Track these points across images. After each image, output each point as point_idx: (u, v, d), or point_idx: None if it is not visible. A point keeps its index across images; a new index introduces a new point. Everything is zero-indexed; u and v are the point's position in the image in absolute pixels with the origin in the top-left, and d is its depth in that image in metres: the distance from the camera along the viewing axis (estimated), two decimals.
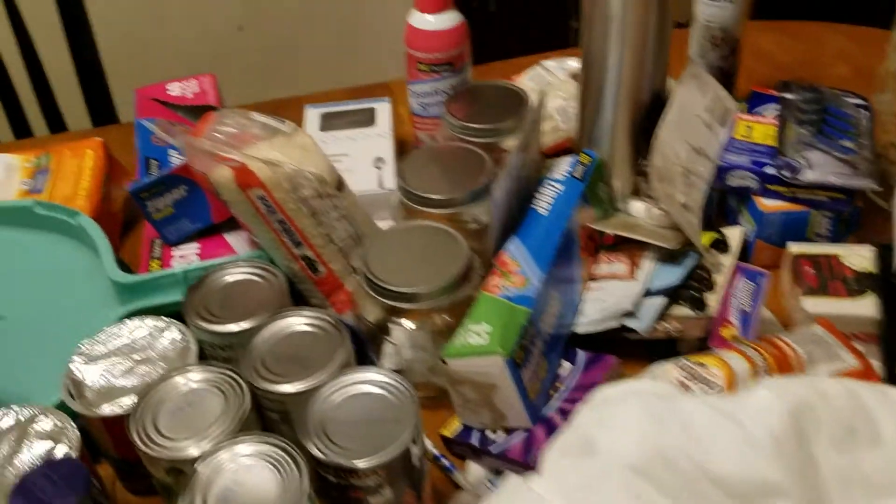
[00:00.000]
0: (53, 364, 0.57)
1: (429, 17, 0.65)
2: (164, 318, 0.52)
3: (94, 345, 0.50)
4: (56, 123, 1.11)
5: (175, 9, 1.55)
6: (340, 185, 0.57)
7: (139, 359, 0.49)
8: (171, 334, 0.51)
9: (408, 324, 0.53)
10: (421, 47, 0.66)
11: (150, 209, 0.58)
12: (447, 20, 0.66)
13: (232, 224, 0.62)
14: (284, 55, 1.70)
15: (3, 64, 1.05)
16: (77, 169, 0.67)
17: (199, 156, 0.54)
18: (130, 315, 0.56)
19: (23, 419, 0.46)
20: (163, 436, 0.43)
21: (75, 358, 0.49)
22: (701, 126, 0.62)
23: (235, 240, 0.61)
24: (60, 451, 0.44)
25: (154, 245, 0.61)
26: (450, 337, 0.51)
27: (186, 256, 0.60)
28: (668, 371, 0.44)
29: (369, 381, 0.44)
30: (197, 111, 0.67)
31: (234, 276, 0.53)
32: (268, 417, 0.46)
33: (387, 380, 0.44)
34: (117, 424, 0.47)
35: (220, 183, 0.53)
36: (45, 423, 0.45)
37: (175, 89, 0.68)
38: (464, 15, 0.68)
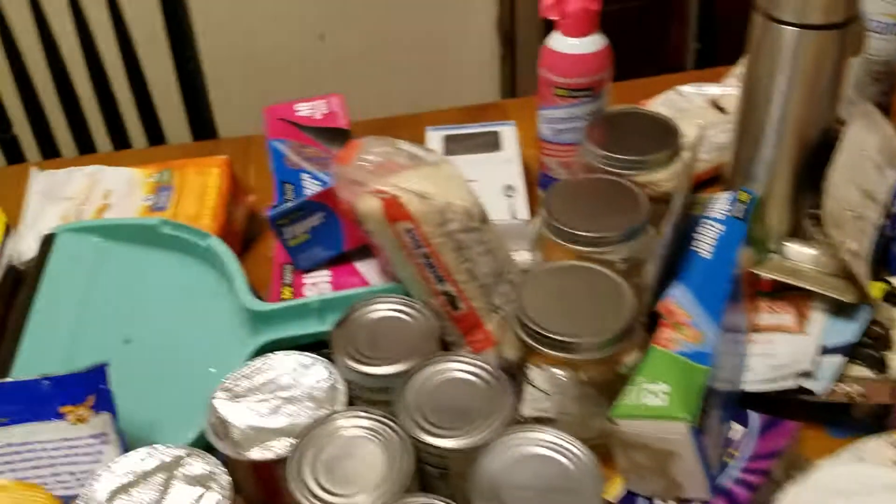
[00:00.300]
0: (184, 395, 0.55)
1: (572, 41, 0.62)
2: (309, 354, 0.49)
3: (238, 380, 0.48)
4: (155, 135, 1.11)
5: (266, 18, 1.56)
6: (484, 217, 0.54)
7: (284, 397, 0.47)
8: (316, 372, 0.48)
9: (558, 372, 0.50)
10: (561, 72, 0.63)
11: (287, 235, 0.56)
12: (592, 44, 0.62)
13: (362, 252, 0.60)
14: (364, 66, 1.69)
15: (105, 74, 1.05)
16: (201, 187, 0.66)
17: (346, 184, 0.51)
18: (265, 345, 0.55)
19: (168, 460, 0.44)
20: (324, 489, 0.40)
21: (219, 394, 0.47)
22: (871, 168, 0.57)
23: (366, 269, 0.59)
24: (211, 499, 0.42)
25: (284, 271, 0.59)
26: (602, 388, 0.47)
27: (318, 285, 0.58)
28: (879, 449, 0.39)
29: (543, 443, 0.41)
30: (326, 133, 0.65)
31: (380, 312, 0.50)
32: (425, 471, 0.43)
33: (561, 442, 0.41)
34: (266, 469, 0.44)
35: (367, 214, 0.51)
36: (194, 467, 0.43)
37: (303, 109, 0.66)
38: None
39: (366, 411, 0.43)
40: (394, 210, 0.50)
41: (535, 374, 0.50)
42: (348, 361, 0.47)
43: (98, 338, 0.58)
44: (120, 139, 1.12)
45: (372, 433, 0.42)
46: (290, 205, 0.56)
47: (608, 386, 0.49)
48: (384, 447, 0.42)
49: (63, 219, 0.67)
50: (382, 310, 0.50)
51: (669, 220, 0.51)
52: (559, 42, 0.63)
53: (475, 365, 0.46)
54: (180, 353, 0.58)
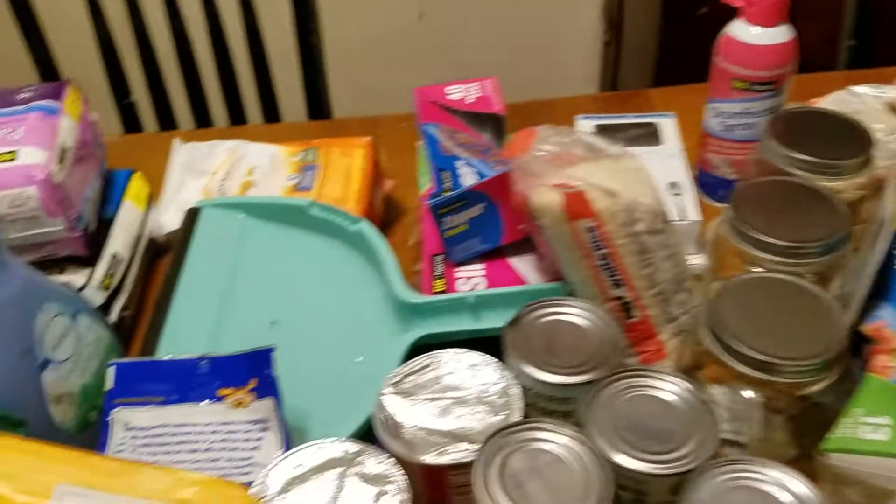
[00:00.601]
0: (332, 383, 0.53)
1: (758, 31, 0.57)
2: (477, 353, 0.46)
3: (404, 376, 0.46)
4: (270, 113, 1.10)
5: None
6: (667, 218, 0.50)
7: (455, 398, 0.44)
8: (486, 374, 0.45)
9: (747, 393, 0.46)
10: (743, 63, 0.58)
11: (446, 226, 0.54)
12: (780, 34, 0.57)
13: (517, 248, 0.57)
14: (462, 49, 1.66)
15: (226, 46, 1.05)
16: (346, 169, 0.64)
17: (522, 175, 0.48)
18: (418, 341, 0.52)
19: (341, 456, 0.41)
20: None
21: (387, 390, 0.45)
22: None
23: (522, 265, 0.56)
24: (396, 501, 0.39)
25: (435, 262, 0.56)
26: (792, 413, 0.43)
27: (472, 279, 0.55)
28: None
29: (756, 474, 0.37)
30: (479, 118, 0.62)
31: (555, 315, 0.47)
32: (617, 496, 0.40)
33: (778, 475, 0.37)
34: (439, 474, 0.42)
35: (544, 209, 0.48)
36: (369, 465, 0.41)
37: (455, 92, 0.63)
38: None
39: (553, 423, 0.40)
40: (576, 206, 0.46)
41: (717, 392, 0.46)
42: (526, 366, 0.44)
43: (245, 318, 0.57)
44: (236, 114, 1.11)
45: (563, 449, 0.39)
46: (451, 194, 0.53)
47: (800, 411, 0.45)
48: (577, 467, 0.38)
49: (204, 193, 0.66)
50: (558, 313, 0.47)
51: (881, 232, 0.46)
52: (743, 31, 0.58)
53: (669, 381, 0.42)
54: (327, 340, 0.56)
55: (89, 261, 0.56)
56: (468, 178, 0.56)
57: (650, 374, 0.43)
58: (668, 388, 0.42)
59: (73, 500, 0.30)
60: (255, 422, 0.47)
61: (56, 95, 0.55)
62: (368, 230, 0.57)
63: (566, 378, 0.43)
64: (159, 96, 1.08)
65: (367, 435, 0.46)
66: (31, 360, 0.46)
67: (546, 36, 1.71)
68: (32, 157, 0.50)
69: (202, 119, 1.11)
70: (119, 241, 0.59)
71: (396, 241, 0.68)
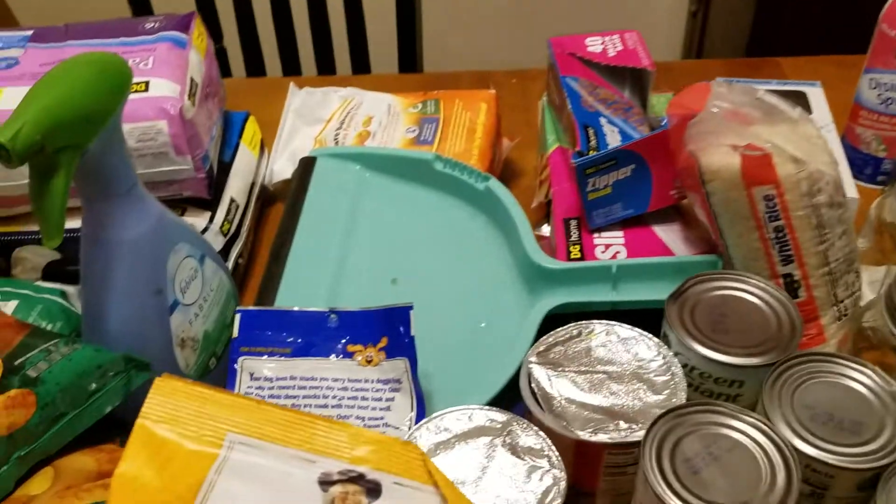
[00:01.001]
0: (457, 347, 0.50)
1: None
2: (628, 327, 0.43)
3: (551, 346, 0.43)
4: (360, 64, 1.07)
5: None
6: (844, 192, 0.46)
7: (607, 372, 0.41)
8: (640, 349, 0.42)
9: None
10: None
11: (590, 187, 0.50)
12: None
13: (661, 215, 0.53)
14: (540, 11, 1.61)
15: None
16: (470, 123, 0.60)
17: (696, 134, 0.44)
18: (554, 309, 0.49)
19: (489, 425, 0.39)
20: (692, 493, 0.34)
21: (532, 359, 0.42)
22: None
23: (667, 234, 0.52)
24: (547, 479, 0.37)
25: (569, 227, 0.53)
26: None
27: (611, 247, 0.52)
28: None
29: None
30: (620, 73, 0.58)
31: (723, 289, 0.43)
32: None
33: None
34: (594, 451, 0.39)
35: (717, 171, 0.44)
36: (521, 437, 0.38)
37: (595, 45, 0.59)
38: None
39: (730, 407, 0.37)
40: (758, 170, 0.42)
41: None
42: (693, 343, 0.41)
43: (364, 273, 0.54)
44: (325, 64, 1.08)
45: (742, 435, 0.36)
46: (600, 153, 0.49)
47: None
48: (759, 455, 0.35)
49: (318, 141, 0.64)
50: (727, 287, 0.43)
51: None
52: None
53: (855, 368, 0.38)
54: (449, 302, 0.53)
55: (209, 204, 0.54)
56: (612, 138, 0.52)
57: (833, 359, 0.39)
58: (854, 376, 0.38)
59: (245, 451, 0.27)
60: (386, 381, 0.45)
61: (184, 27, 0.52)
62: (498, 188, 0.54)
63: (739, 359, 0.40)
64: (248, 43, 1.06)
65: (496, 404, 0.44)
66: (162, 300, 0.44)
67: (630, 3, 1.65)
68: (163, 89, 0.48)
69: (290, 67, 1.08)
70: (236, 186, 0.57)
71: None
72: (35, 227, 0.52)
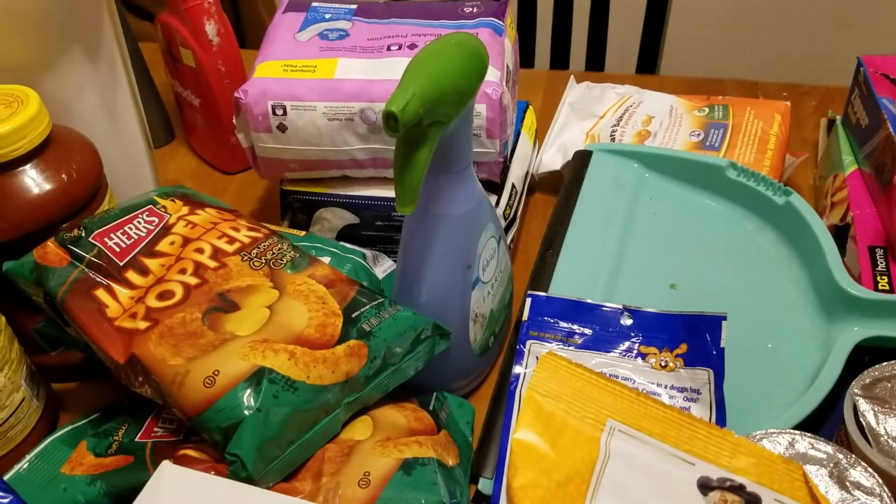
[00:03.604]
0: (744, 369, 0.49)
1: None
2: None
3: (876, 381, 0.40)
4: (595, 62, 1.07)
5: None
6: None
7: None
8: None
9: None
10: None
11: None
12: None
13: None
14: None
15: None
16: (762, 133, 0.58)
17: None
18: (864, 342, 0.47)
19: (810, 452, 0.37)
20: None
21: (858, 391, 0.40)
22: None
23: None
24: None
25: (875, 255, 0.50)
26: None
27: None
28: None
29: None
30: None
31: None
32: None
33: None
34: None
35: None
36: (850, 472, 0.36)
37: None
38: None
39: None
40: None
41: None
42: None
43: (641, 274, 0.53)
44: (560, 58, 1.09)
45: None
46: None
47: None
48: None
49: (590, 136, 0.64)
50: None
51: None
52: None
53: None
54: (732, 315, 0.51)
55: (496, 188, 0.56)
56: None
57: None
58: None
59: (624, 440, 0.28)
60: (682, 389, 0.44)
61: (500, 14, 0.54)
62: (801, 204, 0.52)
63: None
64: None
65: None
66: (468, 275, 0.46)
67: (878, 20, 1.53)
68: (488, 74, 0.50)
69: (526, 60, 1.09)
70: (516, 173, 0.58)
71: None
72: (337, 191, 0.56)
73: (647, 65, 1.03)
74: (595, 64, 1.07)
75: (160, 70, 0.77)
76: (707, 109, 0.61)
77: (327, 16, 0.57)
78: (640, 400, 0.30)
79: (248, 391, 0.37)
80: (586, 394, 0.30)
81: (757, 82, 0.75)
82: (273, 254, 0.44)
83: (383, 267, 0.57)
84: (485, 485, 0.44)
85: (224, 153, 0.69)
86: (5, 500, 0.29)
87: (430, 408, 0.46)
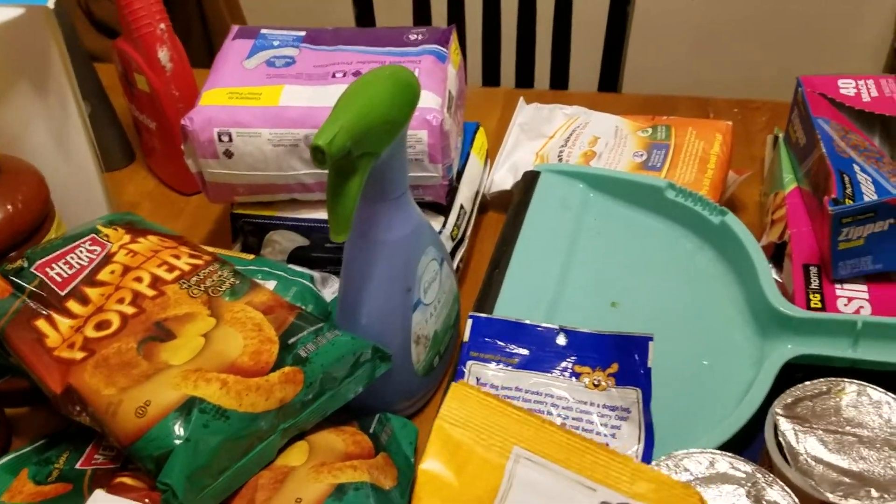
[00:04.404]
0: (678, 383, 0.50)
1: None
2: (877, 389, 0.41)
3: (798, 400, 0.42)
4: (559, 79, 1.08)
5: None
6: None
7: (857, 436, 0.40)
8: (892, 414, 0.40)
9: None
10: None
11: (842, 237, 0.48)
12: None
13: None
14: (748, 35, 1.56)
15: (533, 10, 1.03)
16: (703, 153, 0.60)
17: None
18: (793, 359, 0.48)
19: (730, 472, 0.38)
20: None
21: (780, 411, 0.41)
22: None
23: None
24: None
25: (808, 273, 0.51)
26: None
27: (854, 300, 0.49)
28: None
29: None
30: (869, 119, 0.55)
31: None
32: None
33: None
34: None
35: None
36: (769, 492, 0.37)
37: (848, 87, 0.56)
38: None
39: None
40: None
41: None
42: None
43: (585, 292, 0.55)
44: (524, 76, 1.10)
45: None
46: (860, 204, 0.47)
47: None
48: None
49: (539, 157, 0.65)
50: None
51: None
52: None
53: None
54: (671, 334, 0.52)
55: (443, 210, 0.57)
56: (866, 187, 0.50)
57: None
58: None
59: (528, 467, 0.29)
60: (613, 408, 0.45)
61: (444, 41, 0.55)
62: (735, 224, 0.53)
63: None
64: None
65: (723, 450, 0.43)
66: (409, 298, 0.47)
67: (831, 37, 1.57)
68: (428, 101, 0.51)
69: (488, 77, 1.11)
70: (465, 194, 0.60)
71: None
72: (286, 214, 0.57)
73: (609, 82, 1.05)
74: (559, 82, 1.08)
75: (120, 93, 0.78)
76: (650, 130, 0.62)
77: (275, 42, 0.58)
78: (545, 427, 0.31)
79: (179, 421, 0.37)
80: (494, 422, 0.31)
81: (708, 99, 0.77)
82: (213, 281, 0.45)
83: (332, 289, 0.57)
84: None
85: (181, 175, 0.69)
86: None
87: (371, 430, 0.46)
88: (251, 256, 0.55)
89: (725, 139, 0.60)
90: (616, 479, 0.30)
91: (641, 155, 0.61)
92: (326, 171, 0.55)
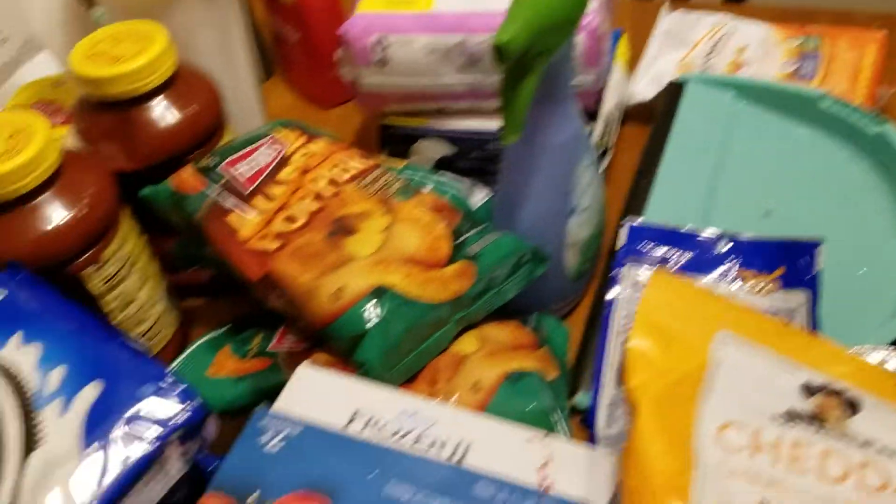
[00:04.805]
0: (836, 294, 0.50)
1: None
2: None
3: None
4: None
5: None
6: None
7: None
8: None
9: None
10: None
11: None
12: None
13: None
14: None
15: None
16: (855, 63, 0.58)
17: None
18: None
19: None
20: None
21: None
22: None
23: None
24: None
25: None
26: None
27: None
28: None
29: None
30: None
31: None
32: None
33: None
34: None
35: None
36: None
37: None
38: None
39: None
40: None
41: None
42: None
43: (735, 202, 0.54)
44: None
45: None
46: None
47: None
48: None
49: (683, 66, 0.64)
50: None
51: None
52: None
53: None
54: (825, 243, 0.52)
55: (591, 117, 0.57)
56: None
57: None
58: None
59: (735, 351, 0.30)
60: (775, 311, 0.46)
61: None
62: (893, 135, 0.52)
63: None
64: None
65: None
66: (567, 203, 0.48)
67: None
68: None
69: None
70: (610, 102, 0.60)
71: None
72: (436, 124, 0.58)
73: None
74: None
75: (258, 8, 0.79)
76: (801, 39, 0.60)
77: None
78: (746, 312, 0.32)
79: (371, 305, 0.40)
80: (695, 306, 0.32)
81: (850, 11, 0.73)
82: (383, 182, 0.48)
83: (477, 197, 0.59)
84: (581, 399, 0.47)
85: (322, 88, 0.71)
86: (181, 386, 0.34)
87: (531, 326, 0.49)
88: (402, 162, 0.57)
89: (880, 50, 0.58)
90: (817, 360, 0.31)
91: (792, 64, 0.59)
92: (477, 78, 0.56)
